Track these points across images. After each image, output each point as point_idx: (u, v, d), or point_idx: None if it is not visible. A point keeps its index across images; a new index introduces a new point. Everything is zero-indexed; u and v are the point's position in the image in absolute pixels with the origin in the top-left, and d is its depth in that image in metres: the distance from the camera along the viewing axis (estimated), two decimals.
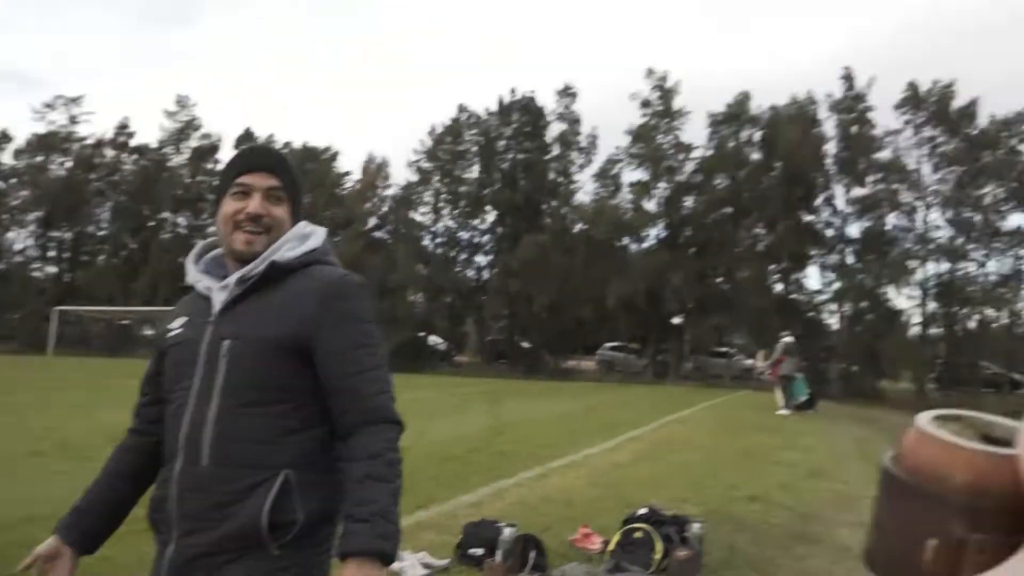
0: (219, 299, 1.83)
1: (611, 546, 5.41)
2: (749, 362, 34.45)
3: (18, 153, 57.19)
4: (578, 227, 45.03)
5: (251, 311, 1.80)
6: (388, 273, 42.48)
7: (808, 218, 41.45)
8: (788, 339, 20.57)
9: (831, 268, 40.72)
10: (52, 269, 57.66)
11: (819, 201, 41.39)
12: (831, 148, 40.98)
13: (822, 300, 41.25)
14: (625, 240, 43.69)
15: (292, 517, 1.69)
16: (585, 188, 45.92)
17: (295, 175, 1.94)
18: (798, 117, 40.27)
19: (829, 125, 41.18)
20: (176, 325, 1.91)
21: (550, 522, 6.42)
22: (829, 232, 41.36)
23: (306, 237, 1.89)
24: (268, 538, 1.69)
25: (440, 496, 7.41)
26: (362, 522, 1.61)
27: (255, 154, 1.98)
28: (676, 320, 42.77)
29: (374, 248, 45.93)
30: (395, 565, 4.99)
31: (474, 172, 48.04)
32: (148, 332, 51.49)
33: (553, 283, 40.93)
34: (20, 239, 57.32)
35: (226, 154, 57.60)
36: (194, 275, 1.95)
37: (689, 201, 42.83)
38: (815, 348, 35.51)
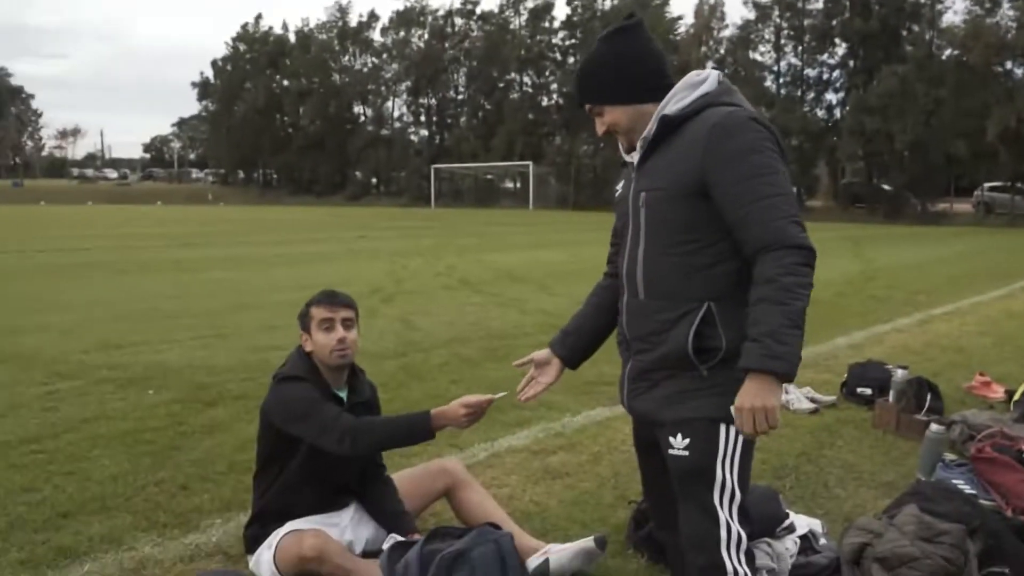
0: (634, 159, 2.12)
1: (1016, 396, 5.11)
2: None
3: (384, 30, 64.31)
4: (947, 53, 39.21)
5: (656, 165, 2.01)
6: None
7: None
8: None
9: None
10: (424, 132, 64.87)
11: None
12: None
13: None
14: (1008, 64, 37.09)
15: (716, 343, 1.91)
16: (955, 7, 39.39)
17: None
18: None
19: None
20: (618, 187, 2.20)
21: (939, 368, 6.20)
22: None
23: (697, 85, 2.01)
24: (696, 361, 1.93)
25: (815, 337, 7.45)
26: (754, 342, 1.78)
27: None
28: None
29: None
30: (781, 397, 5.26)
31: (819, 2, 43.78)
32: (508, 185, 56.24)
33: (918, 118, 36.41)
34: (396, 107, 65.34)
35: (560, 12, 58.68)
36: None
37: None
38: None
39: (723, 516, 1.96)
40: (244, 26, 72.78)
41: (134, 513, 3.31)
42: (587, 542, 2.89)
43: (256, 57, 70.65)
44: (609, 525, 3.25)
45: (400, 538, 2.70)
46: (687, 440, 1.97)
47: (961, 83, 36.16)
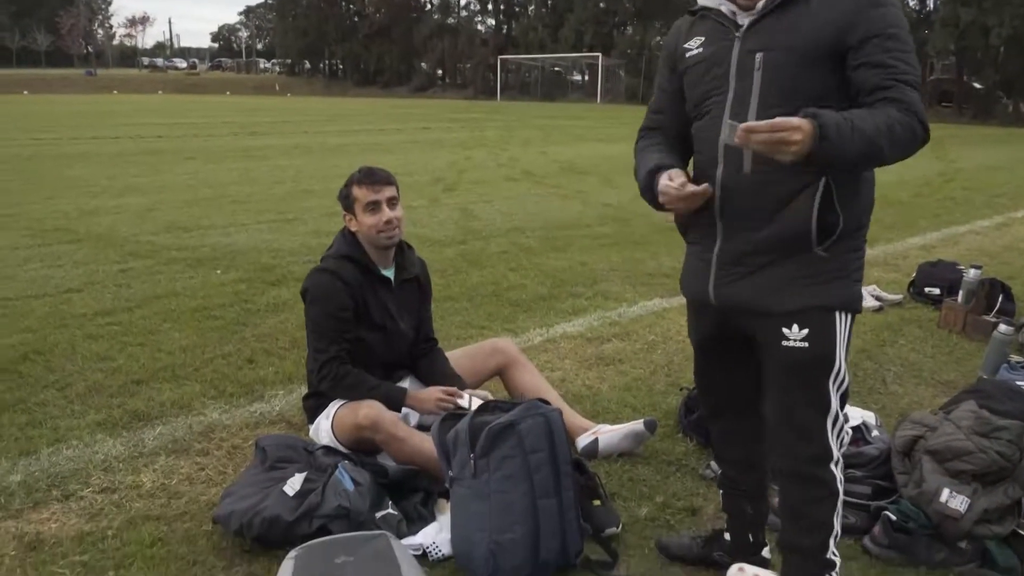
0: (744, 17, 1.87)
1: None
2: None
3: None
4: None
5: (781, 25, 1.80)
6: None
7: None
8: None
9: None
10: (491, 22, 63.14)
11: None
12: None
13: None
14: None
15: (834, 220, 1.77)
16: None
17: None
18: None
19: None
20: (694, 45, 1.94)
21: (1015, 271, 5.96)
22: None
23: None
24: (815, 239, 1.77)
25: (886, 237, 7.22)
26: (842, 118, 1.65)
27: None
28: None
29: None
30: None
31: None
32: (576, 78, 54.72)
33: (1017, 10, 33.73)
34: None
35: None
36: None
37: None
38: None
39: (834, 404, 1.90)
40: None
41: (203, 382, 3.48)
42: (637, 424, 2.93)
43: None
44: (660, 410, 3.28)
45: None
46: (805, 330, 1.84)
47: None
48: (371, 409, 2.67)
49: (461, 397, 2.75)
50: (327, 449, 2.59)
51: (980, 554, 2.38)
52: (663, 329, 4.40)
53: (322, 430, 2.79)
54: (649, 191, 1.93)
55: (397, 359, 2.99)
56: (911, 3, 41.65)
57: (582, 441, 2.92)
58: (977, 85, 38.58)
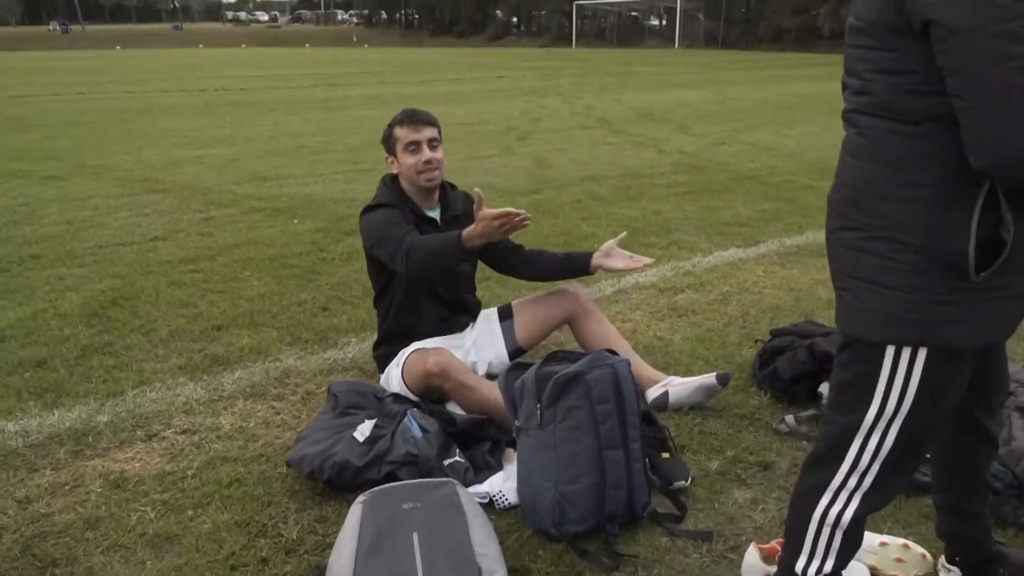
0: None
1: None
2: None
3: None
4: None
5: None
6: None
7: None
8: None
9: None
10: None
11: None
12: None
13: None
14: None
15: None
16: None
17: None
18: None
19: None
20: None
21: None
22: None
23: None
24: None
25: None
26: None
27: None
28: None
29: None
30: None
31: None
32: (654, 23, 53.21)
33: None
34: None
35: None
36: None
37: None
38: None
39: None
40: None
41: (279, 329, 3.57)
42: (709, 377, 2.86)
43: None
44: (733, 363, 3.20)
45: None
46: None
47: None
48: (440, 356, 2.69)
49: (520, 213, 2.44)
50: (396, 397, 2.62)
51: None
52: (738, 280, 4.28)
53: (393, 378, 2.82)
54: None
55: (458, 300, 2.99)
56: None
57: (652, 393, 2.87)
58: None
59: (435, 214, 2.89)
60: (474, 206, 2.44)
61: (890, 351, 1.45)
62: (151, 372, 3.13)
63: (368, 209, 2.84)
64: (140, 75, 23.93)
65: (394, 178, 2.86)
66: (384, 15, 76.54)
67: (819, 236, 5.15)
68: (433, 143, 2.78)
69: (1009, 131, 1.20)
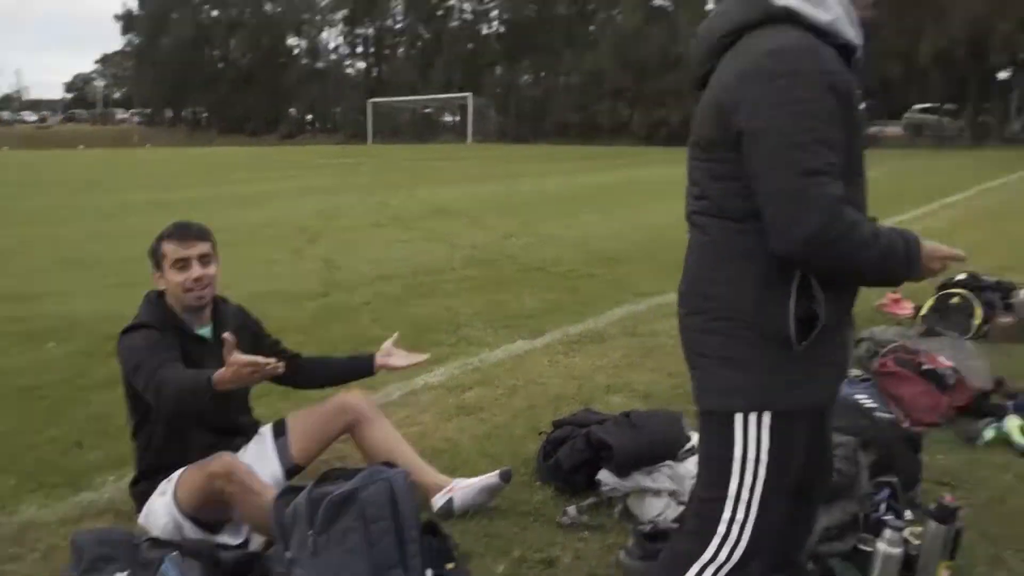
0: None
1: (923, 311, 5.24)
2: None
3: None
4: None
5: None
6: (669, 44, 40.94)
7: None
8: None
9: None
10: (361, 65, 63.05)
11: None
12: None
13: None
14: None
15: None
16: None
17: None
18: None
19: None
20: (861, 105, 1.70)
21: None
22: None
23: None
24: None
25: None
26: None
27: None
28: (1002, 75, 36.65)
29: (654, 18, 44.07)
30: None
31: None
32: (447, 119, 55.21)
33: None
34: (332, 38, 63.07)
35: None
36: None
37: None
38: None
39: None
40: None
41: (19, 474, 3.16)
42: (491, 477, 2.86)
43: None
44: (519, 458, 3.23)
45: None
46: None
47: (897, 3, 36.37)
48: (224, 456, 2.52)
49: (269, 363, 2.26)
50: (154, 541, 2.38)
51: (825, 573, 2.42)
52: (524, 372, 4.38)
53: (157, 508, 2.57)
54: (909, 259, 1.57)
55: (230, 425, 2.81)
56: None
57: (438, 501, 2.82)
58: None
59: (206, 332, 2.73)
60: (224, 350, 2.28)
61: (739, 419, 1.64)
62: None
63: (128, 329, 2.62)
64: None
65: (160, 294, 2.68)
66: (169, 113, 73.78)
67: (598, 323, 5.42)
68: (204, 259, 2.63)
69: (792, 219, 1.46)
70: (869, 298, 5.87)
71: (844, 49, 1.58)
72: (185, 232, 2.63)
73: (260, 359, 2.26)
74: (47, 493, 3.00)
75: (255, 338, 2.88)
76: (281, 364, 2.29)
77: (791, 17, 1.55)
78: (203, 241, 2.64)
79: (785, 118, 1.47)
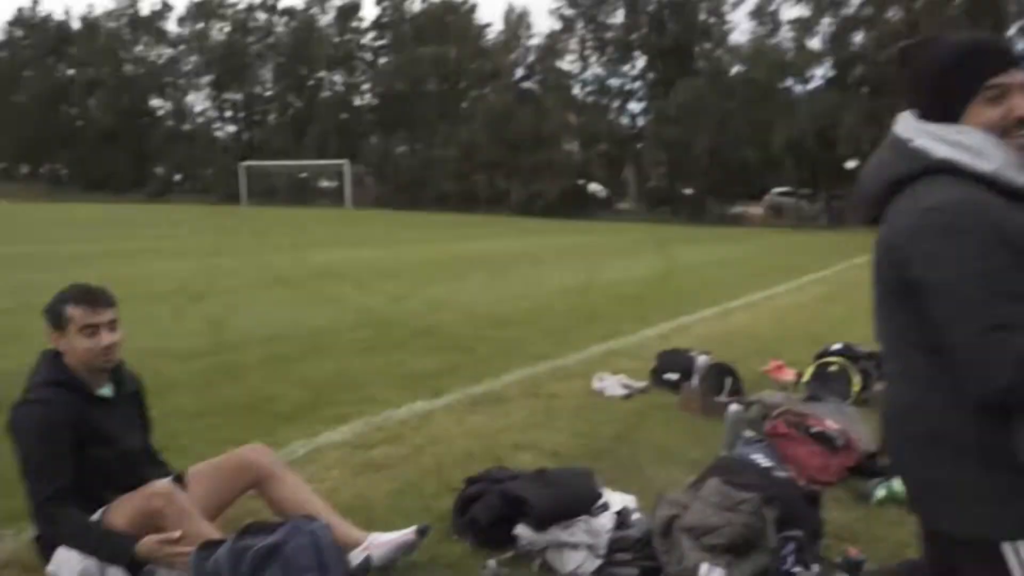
0: None
1: (805, 378, 5.55)
2: None
3: (181, 21, 60.61)
4: (735, 69, 42.68)
5: None
6: (540, 123, 42.68)
7: None
8: None
9: None
10: (231, 128, 61.70)
11: (1012, 32, 36.18)
12: None
13: None
14: (788, 82, 41.21)
15: None
16: (740, 27, 43.20)
17: None
18: None
19: None
20: None
21: (739, 355, 6.64)
22: None
23: None
24: None
25: (625, 329, 7.83)
26: None
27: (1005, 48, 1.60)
28: (850, 164, 40.28)
29: (524, 99, 45.91)
30: (596, 384, 5.48)
31: (619, 17, 46.26)
32: (324, 184, 54.60)
33: (712, 128, 39.41)
34: (199, 102, 61.59)
35: (368, 12, 58.61)
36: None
37: (859, 37, 39.24)
38: None
39: None
40: (20, 10, 65.89)
41: None
42: (408, 533, 2.83)
43: (36, 44, 64.15)
44: (433, 514, 3.22)
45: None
46: None
47: (749, 97, 39.46)
48: (164, 481, 2.55)
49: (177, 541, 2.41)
50: None
51: None
52: (430, 431, 4.38)
53: (71, 557, 2.44)
54: None
55: (138, 482, 2.69)
56: (625, 121, 47.01)
57: (355, 558, 2.76)
58: (687, 191, 43.91)
59: (107, 392, 2.67)
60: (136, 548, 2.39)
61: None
62: None
63: (25, 403, 2.53)
64: None
65: (57, 354, 2.60)
66: (26, 169, 69.45)
67: (496, 384, 5.49)
68: (112, 325, 2.61)
69: (979, 376, 1.44)
70: (753, 365, 6.22)
71: (1017, 194, 1.52)
72: (94, 299, 2.60)
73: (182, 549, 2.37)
74: None
75: (142, 406, 2.89)
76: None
77: (954, 169, 1.53)
78: (111, 307, 2.63)
79: (956, 277, 1.46)
